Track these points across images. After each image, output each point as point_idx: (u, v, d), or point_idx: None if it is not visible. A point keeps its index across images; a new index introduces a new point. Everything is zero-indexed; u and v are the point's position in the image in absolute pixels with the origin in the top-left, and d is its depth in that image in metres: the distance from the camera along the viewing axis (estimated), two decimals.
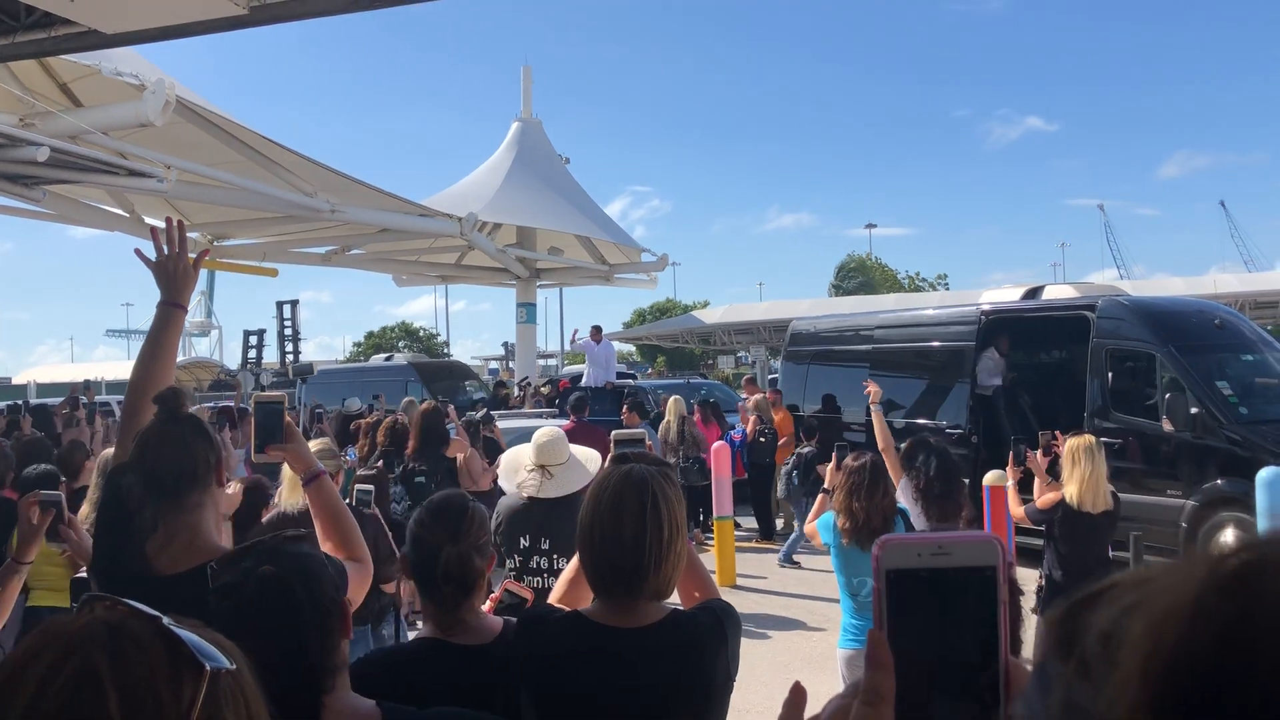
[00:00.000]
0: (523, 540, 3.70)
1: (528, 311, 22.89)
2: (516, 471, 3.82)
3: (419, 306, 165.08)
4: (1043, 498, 5.05)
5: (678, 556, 1.77)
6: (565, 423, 8.37)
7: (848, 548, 3.84)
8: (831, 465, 4.24)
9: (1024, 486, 5.50)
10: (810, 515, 4.39)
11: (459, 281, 26.44)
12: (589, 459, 3.83)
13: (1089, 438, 4.93)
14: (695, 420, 10.95)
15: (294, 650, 1.35)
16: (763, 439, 10.76)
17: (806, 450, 9.78)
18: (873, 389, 5.57)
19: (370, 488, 4.38)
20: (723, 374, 42.34)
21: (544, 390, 17.75)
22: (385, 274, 23.72)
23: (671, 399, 10.96)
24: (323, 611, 1.41)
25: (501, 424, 8.90)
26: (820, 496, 4.38)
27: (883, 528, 3.75)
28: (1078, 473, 4.83)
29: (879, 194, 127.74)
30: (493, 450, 7.34)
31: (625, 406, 10.22)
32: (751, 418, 10.93)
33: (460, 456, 6.76)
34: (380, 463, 6.43)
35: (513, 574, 3.68)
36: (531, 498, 3.73)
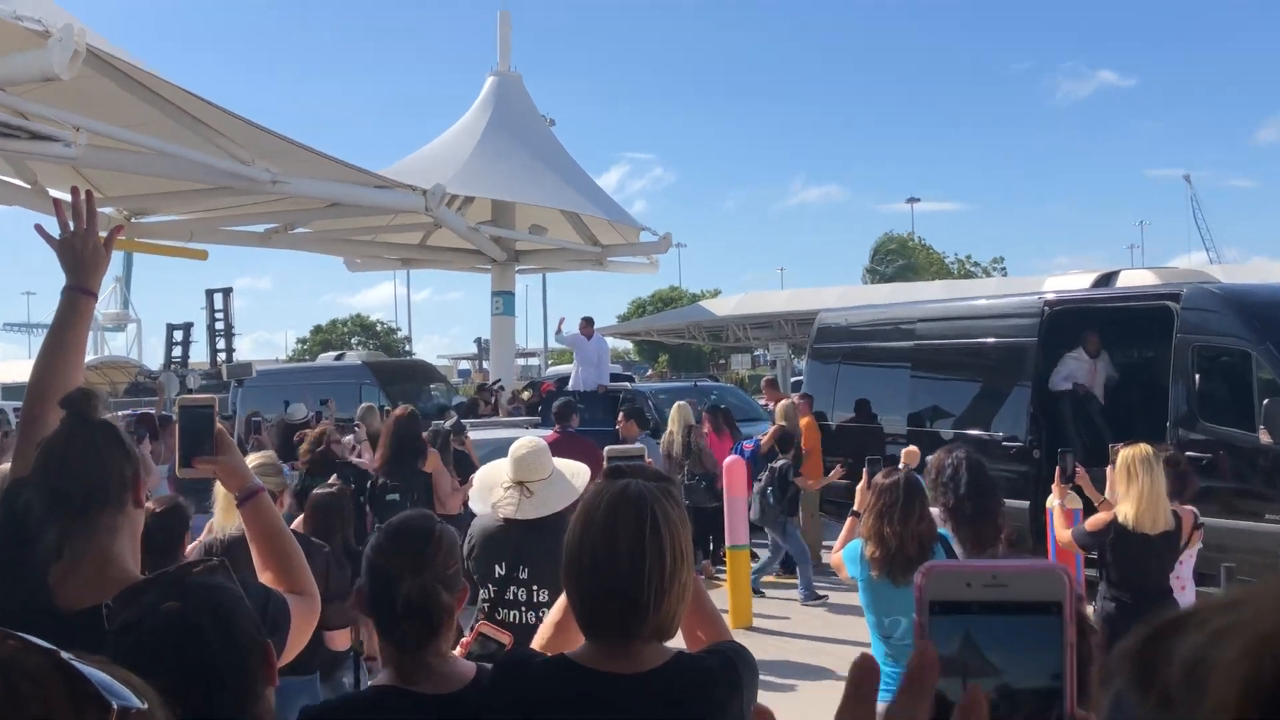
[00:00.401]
0: (498, 568, 3.77)
1: (505, 301, 22.92)
2: (492, 489, 3.90)
3: (376, 296, 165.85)
4: (1092, 518, 5.13)
5: (683, 589, 1.77)
6: (548, 433, 8.39)
7: (878, 581, 3.87)
8: (861, 484, 4.29)
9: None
10: (836, 543, 4.42)
11: (423, 266, 26.47)
12: (575, 474, 3.90)
13: (1144, 448, 5.03)
14: (704, 431, 11.00)
15: (202, 699, 1.34)
16: (782, 456, 10.78)
17: (780, 463, 9.84)
18: (910, 453, 5.71)
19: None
20: (737, 375, 42.33)
21: (524, 395, 17.78)
22: (336, 257, 23.74)
23: (676, 406, 11.00)
24: (239, 652, 1.41)
25: (471, 435, 8.91)
26: (848, 521, 4.44)
27: (919, 556, 3.78)
28: (1134, 489, 4.91)
29: (923, 163, 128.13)
30: (466, 467, 7.37)
31: (621, 414, 10.25)
32: (771, 427, 10.94)
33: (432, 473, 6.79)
34: (334, 477, 6.43)
35: (485, 607, 3.70)
36: (508, 519, 3.80)
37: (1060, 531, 5.37)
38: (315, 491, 5.14)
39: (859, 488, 4.34)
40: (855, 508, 4.40)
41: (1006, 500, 5.34)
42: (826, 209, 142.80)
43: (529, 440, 4.02)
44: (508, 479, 3.88)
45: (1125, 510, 4.92)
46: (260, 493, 2.27)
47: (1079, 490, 5.85)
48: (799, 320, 25.13)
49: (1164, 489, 4.94)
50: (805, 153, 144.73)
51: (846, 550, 4.18)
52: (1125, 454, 5.00)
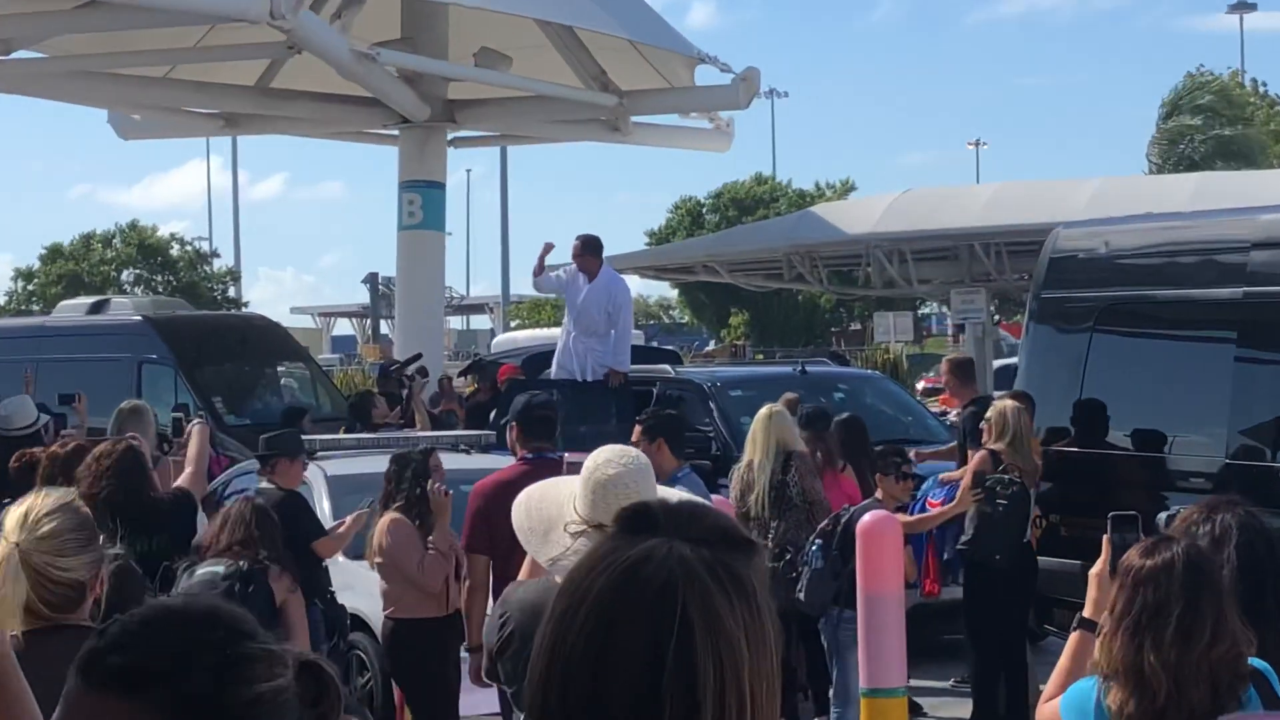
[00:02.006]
0: None
1: (426, 202, 22.79)
2: (549, 531, 4.13)
3: (172, 188, 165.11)
4: None
5: None
6: (510, 462, 8.56)
7: None
8: (1098, 565, 4.44)
9: None
10: (1049, 683, 4.56)
11: (266, 130, 26.49)
12: None
13: None
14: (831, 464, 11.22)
15: None
16: (1002, 503, 10.72)
17: (860, 508, 9.84)
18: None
19: None
20: (885, 353, 42.37)
21: (463, 386, 17.87)
22: (96, 109, 23.90)
23: (762, 413, 11.13)
24: None
25: (339, 463, 9.12)
26: (1072, 638, 4.59)
27: (1212, 705, 3.87)
28: None
29: None
30: (305, 531, 7.77)
31: (640, 427, 10.13)
32: (978, 454, 10.97)
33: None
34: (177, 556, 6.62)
35: None
36: None
37: None
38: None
39: (1093, 572, 4.49)
40: (1085, 613, 4.52)
41: None
42: (1073, 22, 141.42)
43: (617, 451, 4.31)
44: (576, 516, 4.07)
45: None
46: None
47: None
48: (1012, 245, 24.87)
49: None
50: None
51: (1069, 698, 4.26)
52: None
